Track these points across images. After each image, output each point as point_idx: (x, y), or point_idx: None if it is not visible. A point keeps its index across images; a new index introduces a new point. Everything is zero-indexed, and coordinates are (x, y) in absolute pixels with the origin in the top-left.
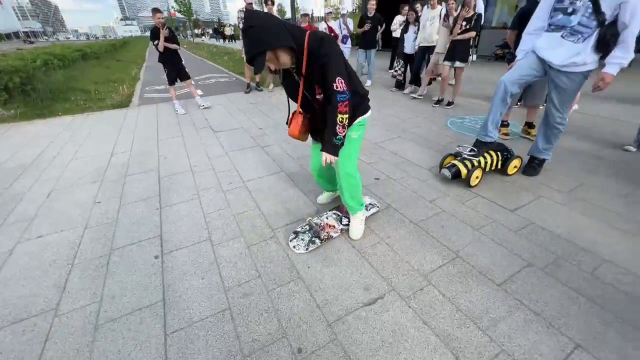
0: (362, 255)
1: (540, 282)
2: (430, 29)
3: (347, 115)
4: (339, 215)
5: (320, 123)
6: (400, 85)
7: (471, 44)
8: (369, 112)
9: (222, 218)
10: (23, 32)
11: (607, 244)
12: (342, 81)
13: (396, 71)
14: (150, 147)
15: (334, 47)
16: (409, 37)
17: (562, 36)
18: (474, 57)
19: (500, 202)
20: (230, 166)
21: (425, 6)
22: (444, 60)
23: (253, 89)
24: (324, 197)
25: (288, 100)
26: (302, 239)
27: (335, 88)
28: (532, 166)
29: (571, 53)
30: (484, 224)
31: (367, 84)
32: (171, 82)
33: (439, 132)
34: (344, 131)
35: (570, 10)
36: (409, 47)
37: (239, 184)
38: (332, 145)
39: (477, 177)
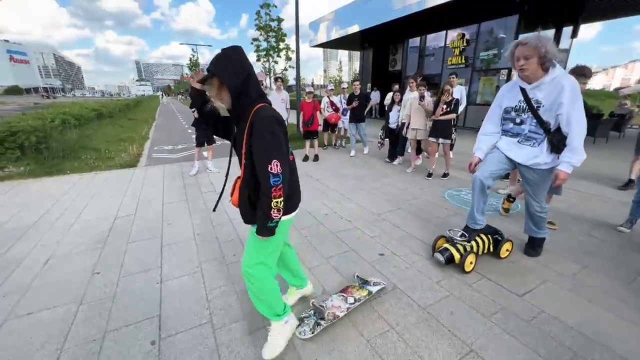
0: (371, 347)
1: None
2: (409, 108)
3: (281, 199)
4: (344, 296)
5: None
6: (392, 157)
7: (453, 123)
8: (293, 214)
9: (225, 296)
10: (43, 87)
11: (621, 338)
12: (278, 164)
13: (380, 141)
14: (155, 211)
15: (279, 130)
16: (392, 114)
17: (518, 141)
18: (455, 135)
19: (507, 285)
20: (234, 235)
21: (407, 88)
22: (429, 137)
23: None
24: (288, 295)
25: (230, 155)
26: (307, 324)
27: (269, 170)
28: (533, 247)
29: (530, 155)
30: (494, 311)
31: (365, 151)
32: (200, 144)
33: (437, 204)
34: (279, 214)
35: (518, 121)
36: (392, 123)
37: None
38: (266, 228)
39: (470, 263)
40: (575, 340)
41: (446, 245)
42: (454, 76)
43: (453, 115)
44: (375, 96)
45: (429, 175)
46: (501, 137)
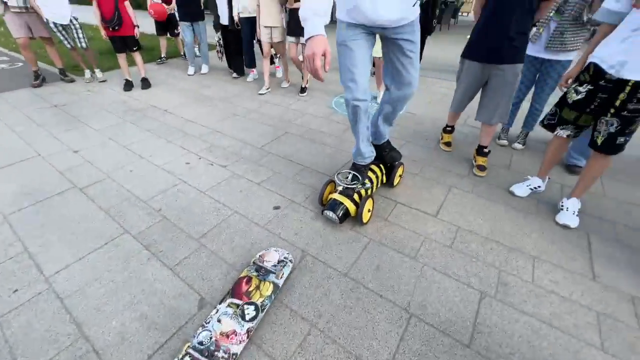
0: None
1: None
2: None
3: None
4: (237, 304)
5: None
6: (238, 69)
7: None
8: None
9: None
10: None
11: (526, 234)
12: None
13: (220, 50)
14: None
15: None
16: (221, 3)
17: None
18: None
19: (421, 207)
20: (17, 248)
21: None
22: (287, 35)
23: (42, 80)
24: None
25: None
26: None
27: None
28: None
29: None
30: (418, 246)
31: (203, 70)
32: None
33: (329, 119)
34: None
35: None
36: (223, 17)
37: (36, 289)
38: None
39: (369, 211)
40: (494, 253)
41: (336, 196)
42: None
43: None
44: None
45: (303, 90)
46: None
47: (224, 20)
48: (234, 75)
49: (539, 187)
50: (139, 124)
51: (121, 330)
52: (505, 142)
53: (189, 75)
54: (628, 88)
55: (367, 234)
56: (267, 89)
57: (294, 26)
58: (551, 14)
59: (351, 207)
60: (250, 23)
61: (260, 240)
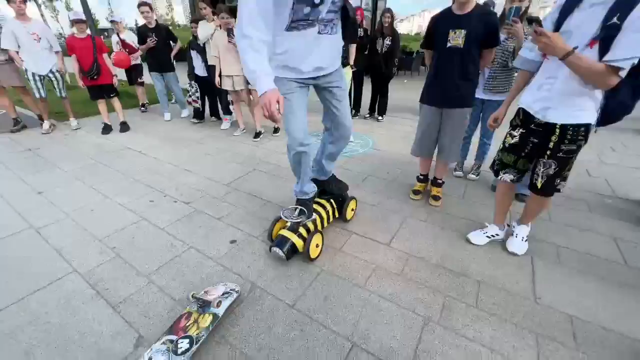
0: None
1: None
2: (214, 47)
3: None
4: (171, 340)
5: None
6: (199, 115)
7: None
8: None
9: None
10: None
11: (473, 259)
12: None
13: (191, 97)
14: None
15: None
16: (195, 55)
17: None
18: None
19: (375, 236)
20: None
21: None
22: (246, 83)
23: (22, 126)
24: None
25: None
26: None
27: None
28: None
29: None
30: (368, 275)
31: (183, 114)
32: None
33: None
34: None
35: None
36: (198, 68)
37: None
38: None
39: (317, 246)
40: (441, 279)
41: (283, 232)
42: None
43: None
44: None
45: (257, 135)
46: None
47: (199, 71)
48: (212, 119)
49: (497, 235)
50: (111, 164)
51: None
52: (460, 173)
53: (165, 120)
54: (557, 130)
55: (319, 265)
56: (243, 130)
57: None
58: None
59: (298, 242)
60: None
61: (212, 275)
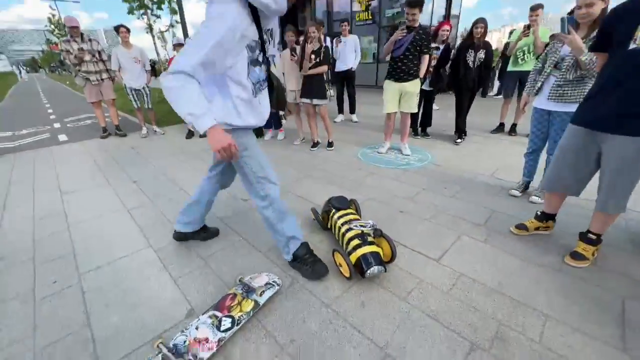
0: None
1: None
2: (281, 65)
3: None
4: (216, 316)
5: None
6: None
7: (326, 79)
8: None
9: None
10: None
11: (542, 291)
12: None
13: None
14: None
15: None
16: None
17: None
18: (332, 91)
19: (424, 250)
20: (68, 249)
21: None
22: (301, 97)
23: (109, 134)
24: None
25: None
26: None
27: None
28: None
29: None
30: (411, 288)
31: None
32: None
33: (351, 165)
34: None
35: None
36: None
37: (69, 282)
38: None
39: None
40: (497, 305)
41: (363, 250)
42: (345, 23)
43: (324, 68)
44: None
45: (314, 145)
46: None
47: None
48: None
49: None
50: (190, 163)
51: (118, 325)
52: (517, 192)
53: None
54: None
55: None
56: (302, 139)
57: (308, 90)
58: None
59: (379, 250)
60: None
61: (258, 265)
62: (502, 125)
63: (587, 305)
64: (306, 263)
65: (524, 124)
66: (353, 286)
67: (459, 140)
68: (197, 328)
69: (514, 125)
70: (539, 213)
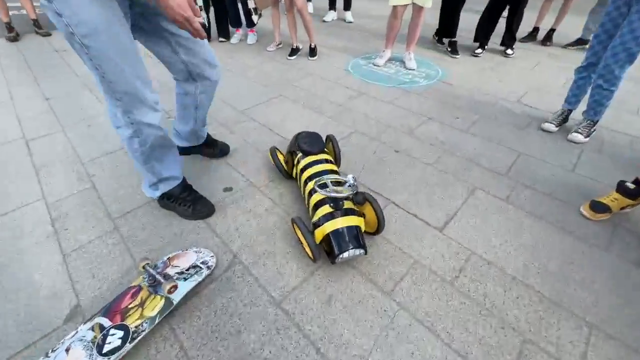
0: None
1: None
2: None
3: None
4: (102, 328)
5: None
6: (224, 32)
7: None
8: None
9: None
10: None
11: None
12: None
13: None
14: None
15: None
16: None
17: None
18: None
19: (419, 211)
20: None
21: None
22: None
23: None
24: None
25: None
26: None
27: None
28: None
29: None
30: (403, 272)
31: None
32: None
33: (337, 82)
34: None
35: None
36: None
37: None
38: None
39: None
40: (521, 305)
41: (336, 222)
42: None
43: None
44: None
45: (293, 52)
46: None
47: None
48: (220, 39)
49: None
50: None
51: None
52: (552, 127)
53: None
54: None
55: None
56: (279, 44)
57: None
58: None
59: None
60: None
61: (188, 232)
62: (535, 30)
63: (626, 297)
64: (184, 202)
65: (563, 31)
66: (318, 270)
67: (479, 51)
68: (67, 350)
69: (551, 32)
70: (628, 185)
